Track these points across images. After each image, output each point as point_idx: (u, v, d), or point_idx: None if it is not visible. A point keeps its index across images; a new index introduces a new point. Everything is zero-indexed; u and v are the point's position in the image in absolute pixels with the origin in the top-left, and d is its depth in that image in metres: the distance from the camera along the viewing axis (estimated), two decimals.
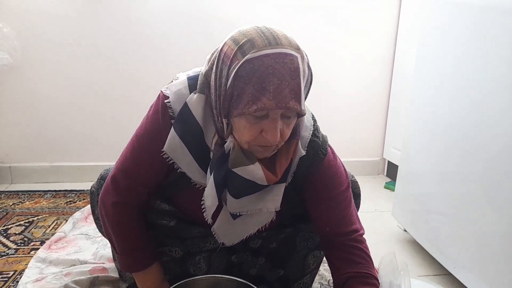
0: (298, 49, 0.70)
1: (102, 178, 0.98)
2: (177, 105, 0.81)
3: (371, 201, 1.99)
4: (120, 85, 2.03)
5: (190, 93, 0.80)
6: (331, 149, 0.91)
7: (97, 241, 1.40)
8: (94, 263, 1.21)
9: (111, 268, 1.16)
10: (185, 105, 0.80)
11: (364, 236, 0.91)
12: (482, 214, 1.13)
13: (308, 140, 0.85)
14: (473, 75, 1.18)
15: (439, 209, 1.35)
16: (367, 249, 0.89)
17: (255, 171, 0.77)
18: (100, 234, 1.45)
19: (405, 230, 1.63)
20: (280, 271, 1.06)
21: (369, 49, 2.25)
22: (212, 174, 0.80)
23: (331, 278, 1.23)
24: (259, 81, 0.67)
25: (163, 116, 0.82)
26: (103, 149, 2.07)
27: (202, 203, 0.85)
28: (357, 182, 1.01)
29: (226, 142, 0.77)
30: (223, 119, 0.74)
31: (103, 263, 1.21)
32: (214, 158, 0.80)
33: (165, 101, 0.82)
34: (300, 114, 0.74)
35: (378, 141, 2.40)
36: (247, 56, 0.67)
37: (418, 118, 1.50)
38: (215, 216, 0.86)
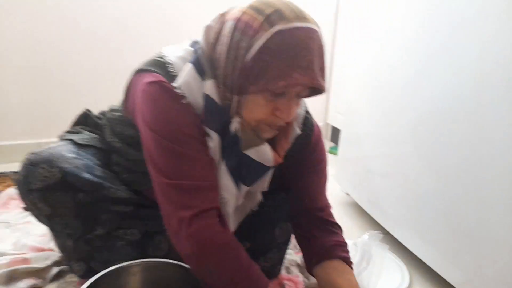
0: (317, 25, 0.67)
1: (31, 164, 0.78)
2: (198, 99, 0.70)
3: None
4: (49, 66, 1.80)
5: (202, 80, 0.70)
6: (315, 122, 0.90)
7: (18, 229, 1.25)
8: (13, 253, 1.08)
9: (33, 257, 1.04)
10: (208, 97, 0.70)
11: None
12: (420, 174, 1.15)
13: (303, 117, 0.84)
14: (414, 39, 1.17)
15: (380, 171, 1.36)
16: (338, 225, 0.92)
17: (266, 152, 0.73)
18: (21, 221, 1.31)
19: (347, 194, 1.65)
20: (246, 244, 1.01)
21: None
22: (225, 162, 0.73)
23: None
24: (290, 55, 0.62)
25: (188, 112, 0.71)
26: (23, 126, 1.86)
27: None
28: None
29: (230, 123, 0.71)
30: (234, 96, 0.68)
31: (25, 253, 1.08)
32: (224, 144, 0.73)
33: (182, 101, 0.69)
34: (319, 92, 0.72)
35: (321, 106, 2.39)
36: (277, 27, 0.62)
37: (361, 81, 1.49)
38: None
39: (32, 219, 1.28)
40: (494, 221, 0.91)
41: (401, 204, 1.25)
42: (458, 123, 1.00)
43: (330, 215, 0.91)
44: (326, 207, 0.91)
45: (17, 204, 1.44)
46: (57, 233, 0.90)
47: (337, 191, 1.71)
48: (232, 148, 0.72)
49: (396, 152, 1.26)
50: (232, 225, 0.82)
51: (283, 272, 1.09)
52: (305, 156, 0.87)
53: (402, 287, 1.05)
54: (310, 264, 0.88)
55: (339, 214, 1.49)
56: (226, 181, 0.74)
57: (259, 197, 0.86)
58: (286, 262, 1.13)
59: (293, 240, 1.24)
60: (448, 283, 1.04)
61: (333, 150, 2.18)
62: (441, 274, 1.06)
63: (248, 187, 0.78)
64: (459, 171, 1.00)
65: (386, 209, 1.33)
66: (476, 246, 0.96)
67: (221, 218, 0.72)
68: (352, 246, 0.94)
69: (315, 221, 0.89)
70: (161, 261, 0.79)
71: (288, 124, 0.77)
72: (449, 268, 1.04)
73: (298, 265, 1.12)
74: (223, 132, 0.72)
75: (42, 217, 0.86)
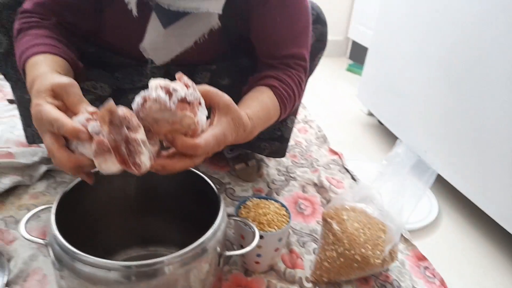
0: None
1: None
2: None
3: (332, 84, 1.82)
4: None
5: None
6: None
7: (2, 122, 1.11)
8: None
9: (19, 152, 0.91)
10: None
11: (305, 69, 0.72)
12: (452, 103, 1.03)
13: None
14: None
15: (408, 93, 1.21)
16: (301, 79, 0.70)
17: None
18: (7, 114, 1.17)
19: (370, 114, 1.51)
20: None
21: None
22: None
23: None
24: None
25: None
26: None
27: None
28: (322, 11, 0.81)
29: None
30: None
31: (9, 147, 0.95)
32: None
33: None
34: None
35: (343, 17, 2.13)
36: None
37: None
38: (143, 29, 0.66)
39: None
40: None
41: (431, 129, 1.11)
42: (494, 54, 0.87)
43: (291, 65, 0.69)
44: (292, 56, 0.69)
45: (2, 96, 1.28)
46: (14, 82, 0.80)
47: (357, 111, 1.57)
48: None
49: (428, 76, 1.12)
50: (165, 52, 0.69)
51: (299, 191, 0.98)
52: None
53: (430, 216, 0.95)
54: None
55: (360, 134, 1.37)
56: None
57: (209, 22, 0.66)
58: (301, 180, 1.02)
59: (309, 158, 1.13)
60: (480, 212, 0.94)
61: (353, 68, 1.98)
62: (473, 201, 0.96)
63: None
64: (491, 101, 0.90)
65: (414, 132, 1.19)
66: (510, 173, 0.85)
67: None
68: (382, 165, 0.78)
69: (266, 66, 0.69)
70: None
71: None
72: (481, 195, 0.93)
73: (315, 185, 1.01)
74: None
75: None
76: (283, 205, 0.73)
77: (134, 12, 0.63)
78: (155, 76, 0.79)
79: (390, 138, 1.35)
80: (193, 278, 0.52)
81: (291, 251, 0.78)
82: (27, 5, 0.63)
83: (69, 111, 0.47)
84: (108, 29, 0.71)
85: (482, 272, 0.83)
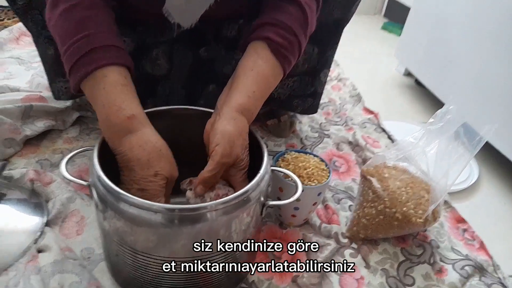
0: None
1: None
2: None
3: (366, 42, 1.74)
4: None
5: None
6: None
7: (33, 67, 1.10)
8: (28, 91, 0.94)
9: (50, 97, 0.90)
10: None
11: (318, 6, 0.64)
12: (497, 63, 0.94)
13: None
14: None
15: (453, 55, 1.13)
16: (310, 9, 0.61)
17: None
18: (37, 59, 1.15)
19: (406, 75, 1.44)
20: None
21: None
22: None
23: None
24: None
25: None
26: None
27: None
28: None
29: None
30: None
31: (41, 92, 0.94)
32: None
33: None
34: None
35: None
36: None
37: None
38: None
39: None
40: None
41: (476, 93, 1.05)
42: None
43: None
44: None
45: (31, 41, 1.26)
46: (36, 37, 0.76)
47: (392, 70, 1.50)
48: None
49: (477, 41, 1.03)
50: (190, 14, 0.60)
51: (333, 149, 0.95)
52: None
53: (470, 179, 0.92)
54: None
55: (395, 95, 1.32)
56: None
57: None
58: (336, 138, 0.99)
59: (343, 116, 1.09)
60: None
61: (388, 27, 1.88)
62: None
63: None
64: None
65: (456, 94, 1.13)
66: None
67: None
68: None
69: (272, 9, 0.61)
70: (199, 110, 0.63)
71: None
72: None
73: (350, 143, 0.98)
74: None
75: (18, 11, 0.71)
76: (322, 160, 0.70)
77: None
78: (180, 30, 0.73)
79: (428, 99, 1.29)
80: (234, 227, 0.51)
81: (326, 206, 0.77)
82: None
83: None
84: None
85: None
